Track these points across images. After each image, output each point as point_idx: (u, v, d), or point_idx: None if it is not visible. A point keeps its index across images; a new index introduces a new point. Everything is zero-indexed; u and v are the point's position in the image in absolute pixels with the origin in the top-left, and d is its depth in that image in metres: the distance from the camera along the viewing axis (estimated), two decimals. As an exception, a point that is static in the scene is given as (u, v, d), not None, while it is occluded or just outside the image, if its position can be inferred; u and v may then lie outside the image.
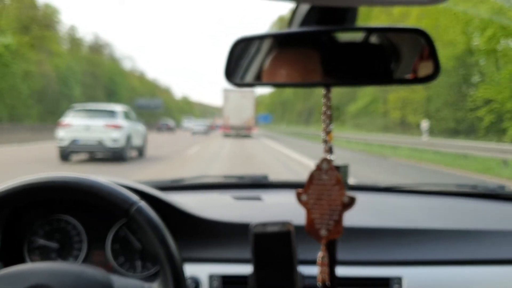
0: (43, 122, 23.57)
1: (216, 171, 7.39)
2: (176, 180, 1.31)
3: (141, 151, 9.52)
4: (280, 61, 0.65)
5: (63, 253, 0.90)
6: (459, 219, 1.02)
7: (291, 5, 0.66)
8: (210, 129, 33.48)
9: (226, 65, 0.65)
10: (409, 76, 0.62)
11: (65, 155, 8.20)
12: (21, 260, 0.88)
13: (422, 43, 0.61)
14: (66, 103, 26.40)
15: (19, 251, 0.89)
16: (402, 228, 0.92)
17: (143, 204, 0.67)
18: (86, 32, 75.66)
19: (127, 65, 57.80)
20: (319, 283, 0.67)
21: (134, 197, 0.68)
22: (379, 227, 0.92)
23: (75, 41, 37.39)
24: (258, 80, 0.65)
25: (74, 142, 7.98)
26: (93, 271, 0.64)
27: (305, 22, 0.65)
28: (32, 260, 0.89)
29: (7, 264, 0.79)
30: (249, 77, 0.66)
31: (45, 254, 0.90)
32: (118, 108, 9.08)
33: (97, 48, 42.41)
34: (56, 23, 31.45)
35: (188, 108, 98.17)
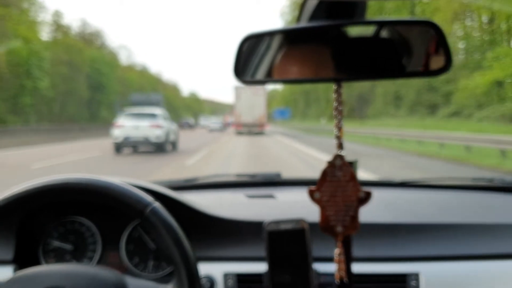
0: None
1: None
2: (189, 180, 1.38)
3: (175, 145, 12.50)
4: (290, 57, 0.68)
5: (78, 254, 0.96)
6: (476, 213, 1.05)
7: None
8: (225, 126, 36.18)
9: (235, 62, 0.68)
10: (420, 69, 0.65)
11: (119, 148, 11.32)
12: (36, 262, 0.93)
13: (433, 35, 0.63)
14: (28, 97, 23.47)
15: (34, 254, 0.94)
16: (418, 223, 0.95)
17: (157, 205, 0.71)
18: (74, 19, 70.25)
19: (122, 56, 54.48)
20: (336, 280, 0.70)
21: (149, 198, 0.71)
22: (395, 222, 0.96)
23: (60, 28, 33.53)
24: (268, 77, 0.68)
25: (126, 139, 11.03)
26: (107, 273, 0.68)
27: (314, 17, 0.68)
28: (47, 262, 0.94)
29: (22, 266, 0.84)
30: (259, 74, 0.68)
31: (59, 256, 0.95)
32: (159, 111, 12.05)
33: (86, 36, 37.83)
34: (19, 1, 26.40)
35: (196, 105, 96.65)
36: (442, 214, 1.03)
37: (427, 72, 0.65)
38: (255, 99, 26.03)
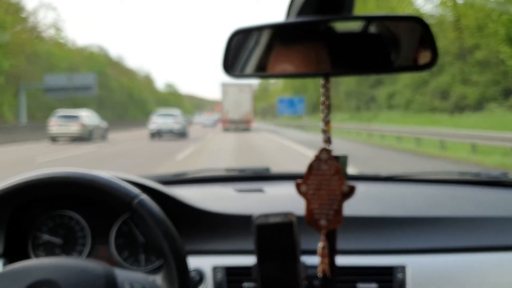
0: None
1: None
2: (178, 174, 1.51)
3: (186, 134, 20.65)
4: (279, 52, 0.77)
5: (67, 248, 1.06)
6: (462, 207, 1.17)
7: None
8: (217, 123, 39.54)
9: (224, 57, 0.77)
10: (408, 64, 0.75)
11: (153, 135, 19.54)
12: (26, 257, 1.02)
13: (420, 31, 0.73)
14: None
15: (23, 248, 1.03)
16: (404, 216, 1.07)
17: (145, 197, 0.79)
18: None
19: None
20: (319, 274, 0.79)
21: (136, 190, 0.80)
22: (382, 216, 1.07)
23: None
24: (257, 71, 0.77)
25: (158, 130, 19.53)
26: (97, 265, 0.76)
27: (302, 12, 0.77)
28: (36, 256, 1.03)
29: (12, 260, 0.92)
30: (248, 68, 0.78)
31: (49, 250, 1.04)
32: (178, 112, 21.59)
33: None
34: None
35: (176, 100, 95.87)
36: (429, 208, 1.16)
37: (414, 66, 0.75)
38: (242, 96, 29.00)
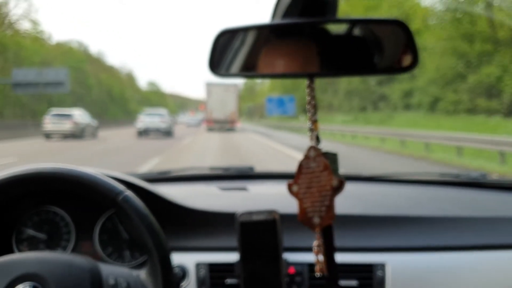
0: None
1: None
2: (162, 172, 1.58)
3: (172, 133, 21.82)
4: (264, 52, 0.80)
5: (52, 244, 1.09)
6: (441, 207, 1.23)
7: None
8: (201, 123, 40.30)
9: (210, 56, 0.80)
10: (390, 66, 0.79)
11: (140, 134, 20.78)
12: (10, 251, 1.04)
13: (401, 34, 0.76)
14: None
15: (7, 243, 1.06)
16: (385, 215, 1.12)
17: (129, 193, 0.83)
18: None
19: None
20: (317, 274, 0.81)
21: (121, 186, 0.84)
22: (363, 214, 1.12)
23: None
24: (243, 71, 0.81)
25: (146, 128, 20.68)
26: (82, 260, 0.80)
27: (287, 14, 0.81)
28: (20, 251, 1.05)
29: None
30: (234, 68, 0.81)
31: (33, 245, 1.07)
32: (165, 111, 23.08)
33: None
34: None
35: (159, 99, 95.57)
36: (409, 207, 1.21)
37: (396, 69, 0.79)
38: (227, 96, 29.31)
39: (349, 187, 1.37)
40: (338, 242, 1.00)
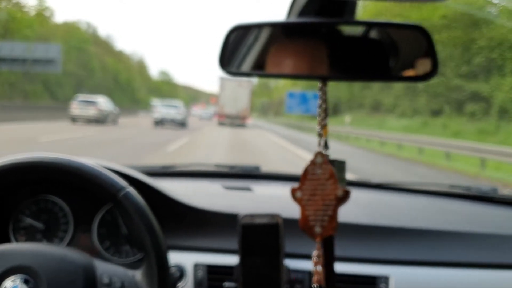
0: None
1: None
2: (167, 167, 1.58)
3: (186, 124, 24.13)
4: (276, 52, 0.79)
5: (49, 234, 1.09)
6: (450, 221, 1.22)
7: None
8: (213, 117, 41.27)
9: (221, 52, 0.79)
10: (407, 73, 0.76)
11: (157, 123, 23.04)
12: (6, 240, 1.06)
13: (421, 40, 0.74)
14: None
15: (4, 231, 1.07)
16: (392, 226, 1.11)
17: (131, 190, 0.83)
18: None
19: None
20: (314, 285, 0.80)
21: (123, 182, 0.84)
22: (369, 224, 1.11)
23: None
24: (253, 70, 0.79)
25: (162, 118, 23.12)
26: (76, 255, 0.80)
27: (303, 13, 0.78)
28: (17, 240, 1.07)
29: None
30: (244, 66, 0.80)
31: (30, 234, 1.08)
32: (181, 104, 25.39)
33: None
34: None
35: (170, 90, 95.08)
36: (417, 219, 1.19)
37: (414, 77, 0.76)
38: (240, 91, 29.41)
39: (357, 194, 1.33)
40: (341, 251, 0.99)
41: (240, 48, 0.80)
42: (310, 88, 27.70)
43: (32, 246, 0.80)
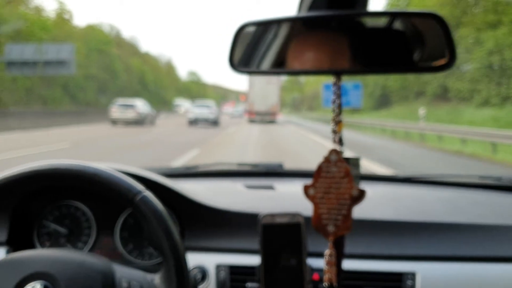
0: None
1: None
2: (189, 167, 1.61)
3: (218, 123, 25.75)
4: (287, 47, 0.77)
5: (72, 238, 1.12)
6: (480, 213, 1.19)
7: None
8: (244, 114, 42.38)
9: (230, 51, 0.78)
10: (424, 63, 0.73)
11: (191, 123, 24.81)
12: (31, 245, 1.11)
13: (437, 29, 0.71)
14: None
15: (29, 236, 1.11)
16: (419, 221, 1.10)
17: (148, 193, 0.84)
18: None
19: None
20: (325, 283, 0.80)
21: (139, 186, 0.85)
22: (395, 220, 1.10)
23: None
24: (265, 67, 0.78)
25: (195, 118, 24.85)
26: (95, 260, 0.82)
27: (314, 6, 0.77)
28: (41, 245, 1.12)
29: (16, 248, 1.01)
30: (255, 64, 0.79)
31: (54, 240, 1.12)
32: (213, 103, 28.12)
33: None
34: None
35: (199, 90, 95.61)
36: (446, 213, 1.18)
37: (430, 67, 0.74)
38: (269, 88, 29.56)
39: (383, 188, 1.41)
40: (367, 249, 1.03)
41: (250, 47, 0.79)
42: (349, 79, 24.06)
43: (52, 252, 0.82)
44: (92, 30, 41.53)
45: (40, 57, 19.86)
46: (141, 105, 23.85)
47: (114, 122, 22.94)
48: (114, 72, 40.49)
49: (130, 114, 22.60)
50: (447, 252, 1.04)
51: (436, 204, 1.27)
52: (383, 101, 31.84)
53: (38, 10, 32.21)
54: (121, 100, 23.89)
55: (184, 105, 58.07)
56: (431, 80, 25.04)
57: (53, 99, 29.02)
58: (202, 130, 20.40)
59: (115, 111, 22.89)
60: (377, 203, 1.00)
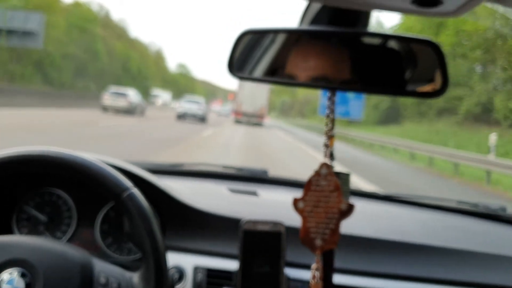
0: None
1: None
2: (175, 165, 1.60)
3: (206, 120, 26.57)
4: (286, 58, 0.79)
5: (51, 227, 1.12)
6: (455, 238, 1.23)
7: (303, 2, 0.76)
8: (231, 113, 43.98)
9: (230, 56, 0.79)
10: (417, 88, 0.75)
11: (179, 117, 25.23)
12: (9, 230, 1.10)
13: (432, 55, 0.73)
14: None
15: (7, 221, 1.10)
16: (397, 241, 1.12)
17: (135, 191, 0.85)
18: None
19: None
20: None
21: (128, 183, 0.86)
22: (373, 237, 1.12)
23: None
24: (262, 75, 0.80)
25: (184, 113, 25.33)
26: (75, 252, 0.82)
27: (316, 21, 0.79)
28: (19, 231, 1.11)
29: None
30: (253, 71, 0.81)
31: (33, 226, 1.12)
32: (202, 100, 29.08)
33: None
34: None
35: (187, 83, 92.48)
36: (422, 234, 1.21)
37: (423, 93, 0.75)
38: (258, 90, 29.18)
39: (363, 205, 1.42)
40: (343, 263, 1.04)
41: (249, 53, 0.80)
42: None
43: (32, 240, 0.82)
44: (77, 6, 38.62)
45: (3, 24, 17.12)
46: (132, 95, 24.47)
47: (105, 109, 23.44)
48: (96, 54, 38.26)
49: (121, 103, 23.14)
50: (420, 273, 1.07)
51: (415, 225, 1.31)
52: (390, 115, 26.78)
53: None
54: (114, 88, 24.62)
55: (162, 96, 56.48)
56: (465, 95, 19.43)
57: (22, 77, 26.15)
58: (190, 125, 20.94)
59: (107, 99, 23.43)
60: (356, 219, 0.99)
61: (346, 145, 19.31)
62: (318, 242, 0.77)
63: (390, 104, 24.15)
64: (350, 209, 0.76)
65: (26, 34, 19.20)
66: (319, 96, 23.65)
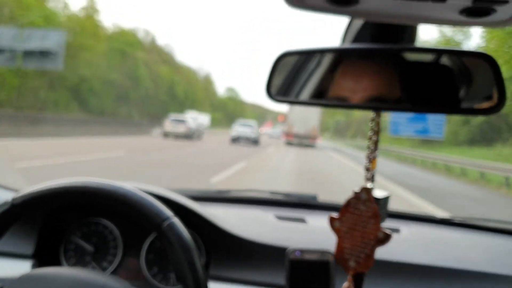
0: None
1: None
2: (221, 192, 1.60)
3: (258, 142, 28.73)
4: (327, 79, 0.77)
5: (98, 257, 1.15)
6: None
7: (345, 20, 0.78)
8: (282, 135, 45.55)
9: (268, 78, 0.78)
10: (471, 105, 0.71)
11: (233, 140, 27.57)
12: (57, 260, 1.14)
13: (487, 70, 0.69)
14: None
15: (55, 251, 1.14)
16: (455, 268, 1.07)
17: (175, 220, 0.85)
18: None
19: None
20: None
21: (168, 212, 0.86)
22: (426, 264, 1.07)
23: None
24: (302, 98, 0.78)
25: (238, 136, 27.63)
26: (117, 285, 0.82)
27: (358, 38, 0.76)
28: (67, 261, 1.15)
29: (41, 262, 1.04)
30: (293, 93, 0.79)
31: (80, 256, 1.15)
32: (254, 123, 31.05)
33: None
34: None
35: (236, 107, 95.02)
36: (486, 261, 1.15)
37: (478, 109, 0.72)
38: (310, 110, 29.99)
39: (418, 229, 1.34)
40: None
41: (289, 75, 0.79)
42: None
43: (73, 272, 0.83)
44: (121, 33, 37.69)
45: (19, 44, 14.97)
46: (191, 121, 27.83)
47: (166, 135, 26.26)
48: (138, 79, 37.55)
49: (180, 129, 25.73)
50: None
51: (473, 251, 1.25)
52: (484, 134, 19.15)
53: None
54: (174, 116, 27.95)
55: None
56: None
57: (56, 103, 24.73)
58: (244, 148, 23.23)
59: (168, 126, 26.24)
60: (409, 245, 0.97)
61: (422, 170, 15.66)
62: (352, 263, 0.78)
63: (487, 118, 18.05)
64: (386, 238, 0.76)
65: (44, 53, 15.84)
66: (387, 114, 20.07)
